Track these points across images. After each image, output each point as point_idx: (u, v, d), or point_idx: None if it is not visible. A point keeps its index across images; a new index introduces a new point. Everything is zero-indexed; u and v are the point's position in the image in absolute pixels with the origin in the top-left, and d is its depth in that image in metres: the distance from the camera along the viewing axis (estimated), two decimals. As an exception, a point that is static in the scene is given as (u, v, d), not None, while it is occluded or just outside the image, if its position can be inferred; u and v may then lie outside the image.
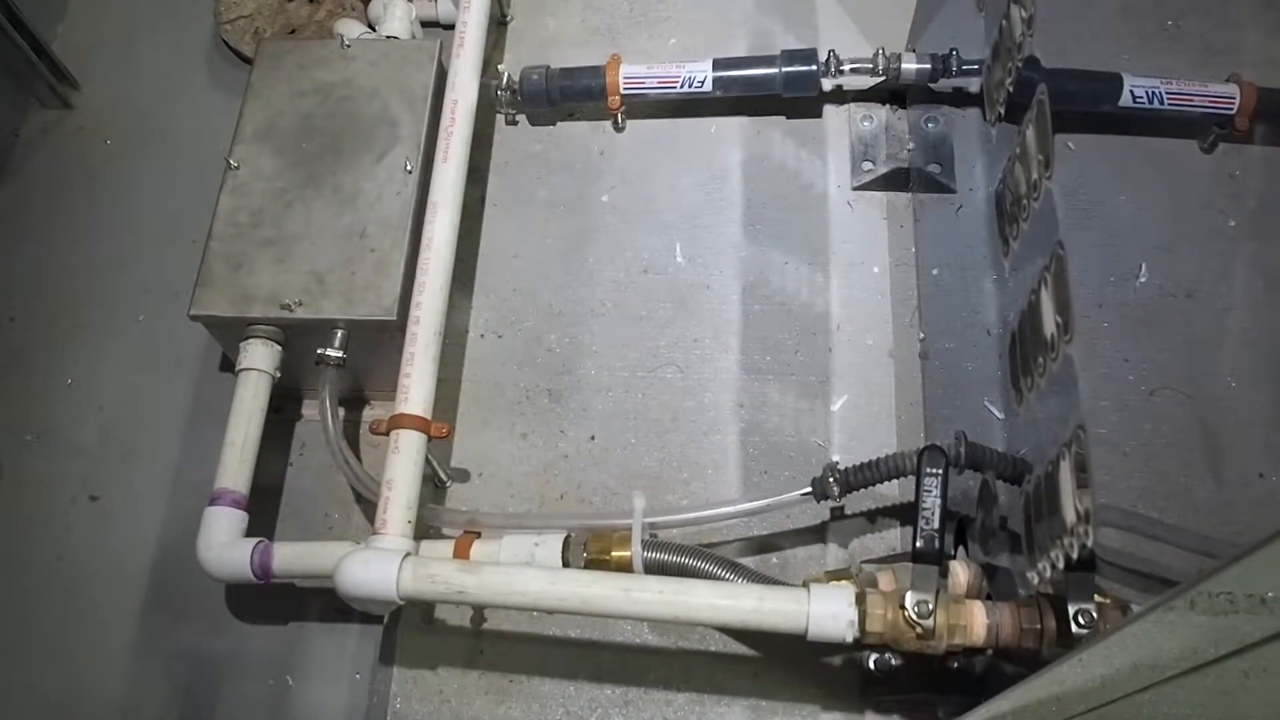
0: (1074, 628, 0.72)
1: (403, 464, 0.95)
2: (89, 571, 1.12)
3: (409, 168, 1.11)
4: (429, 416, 0.98)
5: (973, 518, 0.95)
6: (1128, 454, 0.78)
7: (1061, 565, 0.72)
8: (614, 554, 0.96)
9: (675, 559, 0.95)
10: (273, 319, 1.04)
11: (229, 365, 1.12)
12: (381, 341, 1.06)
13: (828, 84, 1.25)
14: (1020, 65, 0.90)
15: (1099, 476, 0.69)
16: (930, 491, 0.84)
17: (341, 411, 1.04)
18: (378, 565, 0.87)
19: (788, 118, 1.31)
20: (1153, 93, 0.87)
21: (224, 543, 0.97)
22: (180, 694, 1.06)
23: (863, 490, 0.97)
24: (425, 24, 1.37)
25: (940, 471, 0.84)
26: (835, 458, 1.10)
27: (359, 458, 1.04)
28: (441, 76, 1.18)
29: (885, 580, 0.86)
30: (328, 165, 1.12)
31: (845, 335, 1.18)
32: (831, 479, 0.96)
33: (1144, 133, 0.89)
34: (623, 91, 1.27)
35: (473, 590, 0.86)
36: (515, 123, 1.35)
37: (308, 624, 1.08)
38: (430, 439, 0.98)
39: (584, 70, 1.28)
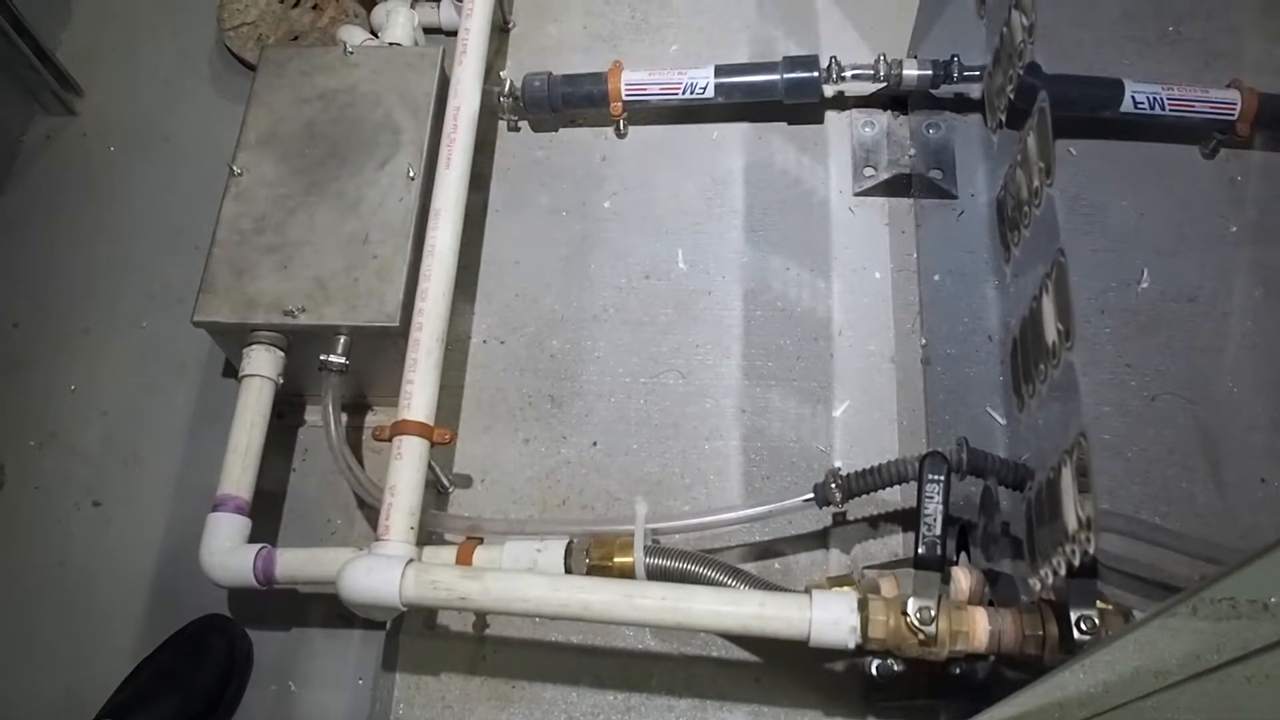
0: (1076, 634, 0.72)
1: (405, 470, 0.95)
2: (92, 577, 1.12)
3: (411, 174, 1.11)
4: (431, 422, 0.98)
5: (975, 524, 0.95)
6: (1129, 460, 0.78)
7: (1063, 571, 0.72)
8: (616, 560, 0.96)
9: (677, 565, 0.95)
10: (276, 325, 1.04)
11: (232, 371, 1.12)
12: (384, 348, 1.06)
13: (829, 90, 1.25)
14: (1021, 71, 0.90)
15: (1101, 482, 0.69)
16: (932, 497, 0.84)
17: (344, 417, 1.04)
18: (380, 571, 0.87)
19: (789, 124, 1.32)
20: (1154, 98, 0.87)
21: (227, 548, 0.97)
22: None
23: (865, 496, 0.97)
24: (428, 30, 1.37)
25: (942, 477, 0.84)
26: (837, 463, 1.10)
27: (361, 464, 1.05)
28: (444, 83, 1.18)
29: (887, 586, 0.86)
30: (330, 172, 1.12)
31: (847, 341, 1.18)
32: (833, 485, 0.96)
33: (1145, 138, 0.89)
34: (625, 98, 1.27)
35: (475, 596, 0.86)
36: (517, 129, 1.35)
37: (310, 630, 1.08)
38: (433, 445, 0.98)
39: (586, 77, 1.29)
